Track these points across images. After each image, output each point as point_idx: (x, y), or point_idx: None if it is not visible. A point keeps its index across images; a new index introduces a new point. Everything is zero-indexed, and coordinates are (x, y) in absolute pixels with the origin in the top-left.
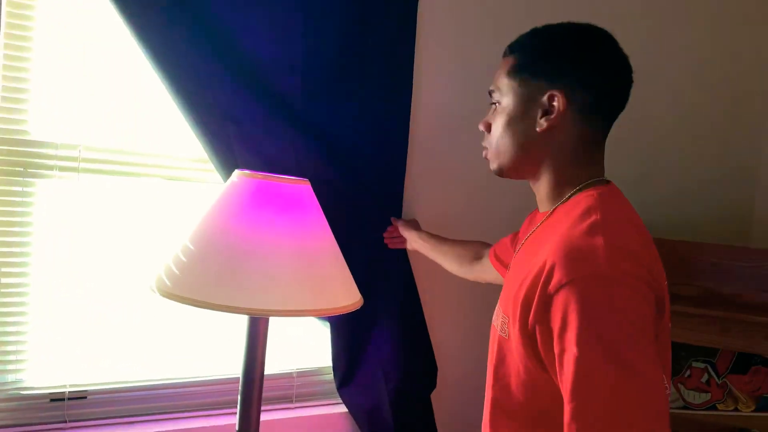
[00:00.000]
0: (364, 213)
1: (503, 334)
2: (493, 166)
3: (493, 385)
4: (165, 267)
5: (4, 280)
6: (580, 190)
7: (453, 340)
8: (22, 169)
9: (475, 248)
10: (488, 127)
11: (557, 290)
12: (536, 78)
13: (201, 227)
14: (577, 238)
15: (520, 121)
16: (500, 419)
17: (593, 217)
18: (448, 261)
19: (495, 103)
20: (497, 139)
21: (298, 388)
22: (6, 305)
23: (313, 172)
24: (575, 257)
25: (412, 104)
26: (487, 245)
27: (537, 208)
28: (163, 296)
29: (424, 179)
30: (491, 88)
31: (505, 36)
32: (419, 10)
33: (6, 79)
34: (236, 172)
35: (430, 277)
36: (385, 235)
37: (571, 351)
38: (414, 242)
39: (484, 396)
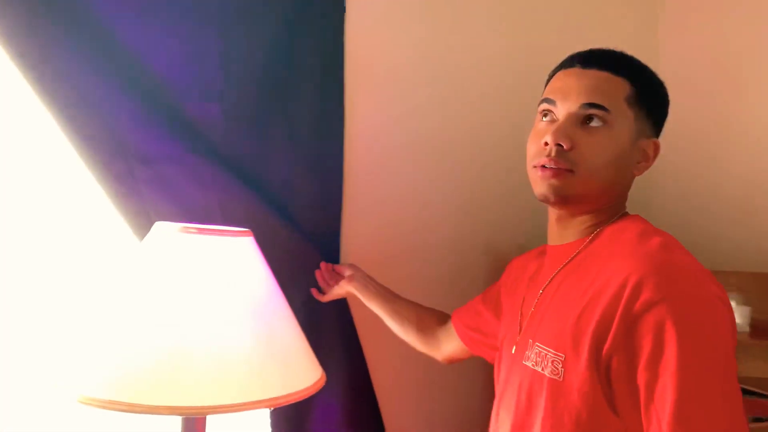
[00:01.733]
0: (302, 260)
1: (555, 376)
2: (568, 190)
3: None
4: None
5: None
6: (619, 218)
7: (398, 397)
8: None
9: (436, 314)
10: (571, 144)
11: (647, 309)
12: (647, 118)
13: (117, 304)
14: (659, 255)
15: (626, 157)
16: None
17: (660, 238)
18: (401, 320)
19: (593, 119)
20: (596, 167)
21: None
22: None
23: (241, 216)
24: (667, 274)
25: (345, 132)
26: (446, 314)
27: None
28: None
29: (363, 216)
30: (598, 101)
31: (437, 58)
32: (347, 31)
33: None
34: (158, 226)
35: (373, 328)
36: (319, 277)
37: (670, 377)
38: (364, 282)
39: None
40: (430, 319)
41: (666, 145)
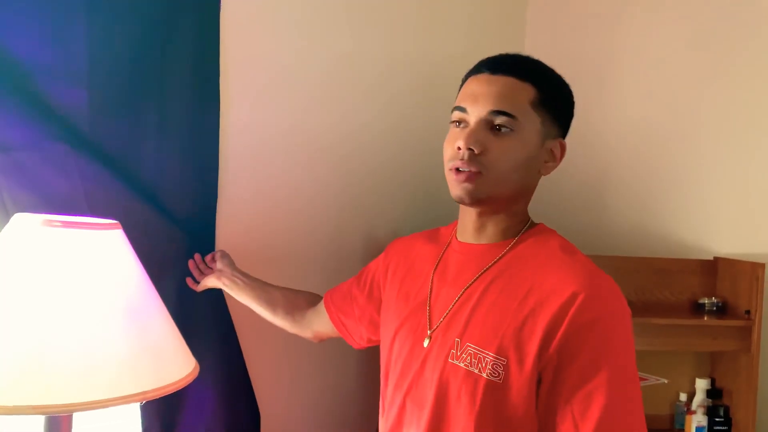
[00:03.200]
0: (175, 252)
1: (494, 378)
2: (481, 192)
3: None
4: None
5: None
6: (531, 225)
7: (273, 380)
8: None
9: (306, 296)
10: (482, 149)
11: (593, 324)
12: (553, 120)
13: None
14: (592, 273)
15: (534, 159)
16: None
17: (580, 253)
18: (272, 306)
19: (501, 127)
20: (505, 170)
21: None
22: None
23: (109, 206)
24: (605, 293)
25: (221, 120)
26: (318, 295)
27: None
28: None
29: (239, 207)
30: (504, 108)
31: (318, 46)
32: (222, 20)
33: None
34: (18, 218)
35: (249, 316)
36: (192, 267)
37: (600, 386)
38: (232, 277)
39: None
40: (300, 300)
41: None
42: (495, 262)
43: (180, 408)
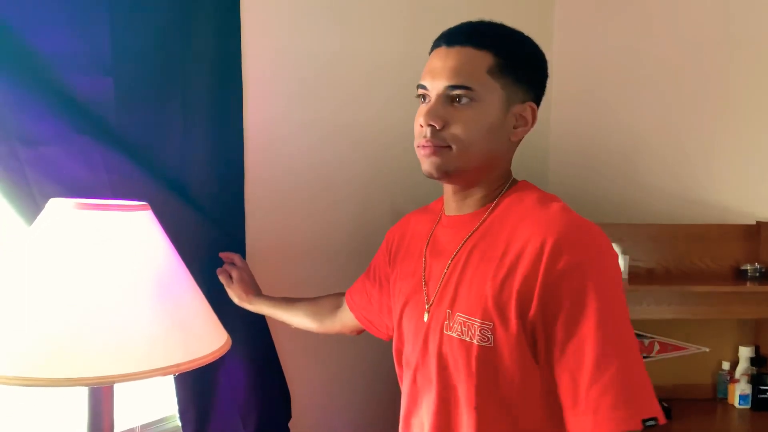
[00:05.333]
0: (204, 238)
1: (485, 343)
2: (448, 165)
3: (478, 407)
4: None
5: None
6: (512, 185)
7: (302, 362)
8: None
9: (331, 300)
10: (443, 123)
11: (567, 271)
12: (518, 84)
13: (12, 282)
14: (565, 219)
15: (499, 127)
16: None
17: (557, 203)
18: (303, 319)
19: (460, 98)
20: (468, 142)
21: None
22: None
23: (135, 196)
24: (578, 237)
25: (245, 107)
26: (340, 294)
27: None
28: None
29: (267, 193)
30: (458, 81)
31: (342, 27)
32: (243, 12)
33: None
34: (53, 203)
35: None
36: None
37: (589, 334)
38: (257, 302)
39: (341, 417)
40: (325, 308)
41: (561, 117)
42: (476, 229)
43: (213, 388)
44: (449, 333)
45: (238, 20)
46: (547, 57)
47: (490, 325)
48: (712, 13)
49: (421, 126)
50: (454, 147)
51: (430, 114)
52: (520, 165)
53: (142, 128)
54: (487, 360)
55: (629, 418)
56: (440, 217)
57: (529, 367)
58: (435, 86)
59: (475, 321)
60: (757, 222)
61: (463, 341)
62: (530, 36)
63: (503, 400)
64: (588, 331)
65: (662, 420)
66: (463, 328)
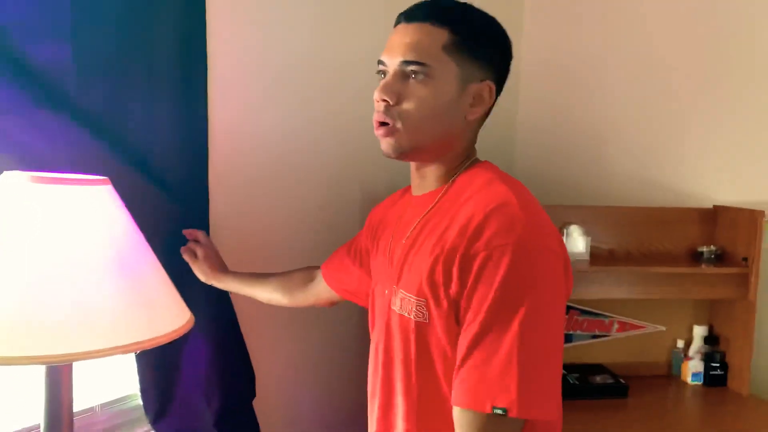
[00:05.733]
0: (167, 212)
1: (421, 319)
2: (402, 144)
3: (418, 381)
4: None
5: None
6: (471, 165)
7: (266, 340)
8: None
9: (302, 273)
10: (397, 99)
11: (485, 250)
12: (474, 62)
13: None
14: (503, 197)
15: (454, 104)
16: (435, 415)
17: (505, 185)
18: (272, 293)
19: (416, 74)
20: (420, 119)
21: (104, 424)
22: None
23: (93, 170)
24: (502, 223)
25: (209, 82)
26: (314, 267)
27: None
28: None
29: (230, 168)
30: (413, 57)
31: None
32: None
33: None
34: (6, 176)
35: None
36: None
37: (480, 312)
38: (224, 278)
39: (305, 395)
40: (296, 282)
41: (529, 98)
42: (431, 208)
43: (175, 367)
44: (394, 308)
45: None
46: (517, 39)
47: (423, 301)
48: (679, 1)
49: (377, 101)
50: (402, 125)
51: (385, 89)
52: (486, 145)
53: (102, 99)
54: (424, 335)
55: (481, 401)
56: (408, 198)
57: (457, 339)
58: (392, 62)
59: (411, 297)
60: (713, 206)
61: (402, 316)
62: (499, 20)
63: (437, 372)
64: (481, 310)
65: (512, 414)
66: (403, 304)
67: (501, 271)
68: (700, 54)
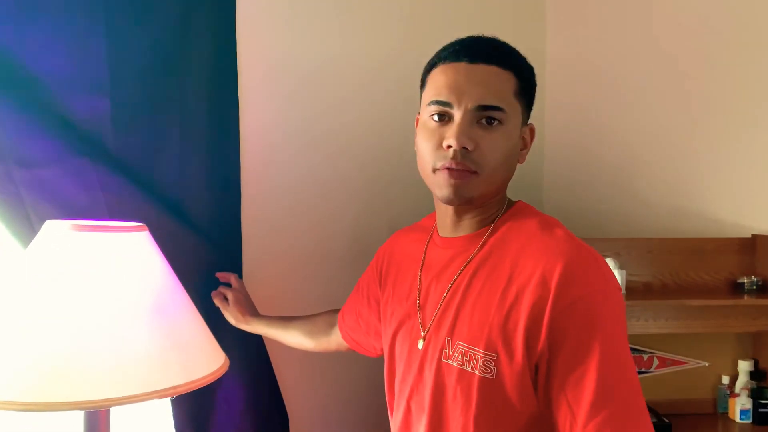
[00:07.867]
0: (202, 256)
1: (488, 375)
2: (474, 191)
3: None
4: None
5: None
6: (509, 206)
7: (299, 382)
8: None
9: (325, 318)
10: (474, 145)
11: (576, 303)
12: (528, 108)
13: (13, 303)
14: (570, 247)
15: (515, 149)
16: None
17: (560, 229)
18: (297, 338)
19: (492, 120)
20: (496, 166)
21: None
22: None
23: (132, 215)
24: (586, 268)
25: (241, 123)
26: (336, 311)
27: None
28: None
29: (263, 208)
30: (492, 102)
31: (329, 50)
32: (238, 26)
33: None
34: (49, 225)
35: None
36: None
37: (591, 368)
38: (253, 322)
39: None
40: (320, 327)
41: (555, 131)
42: (477, 252)
43: (210, 410)
44: (448, 362)
45: (233, 39)
46: (540, 70)
47: (494, 356)
48: (711, 23)
49: (448, 147)
50: (481, 172)
51: (464, 135)
52: (514, 181)
53: (138, 148)
54: (488, 392)
55: None
56: (431, 237)
57: (528, 398)
58: (462, 104)
59: (477, 351)
60: (752, 235)
61: (464, 371)
62: (523, 48)
63: (500, 430)
64: (590, 366)
65: None
66: (465, 358)
67: (600, 322)
68: (734, 77)
